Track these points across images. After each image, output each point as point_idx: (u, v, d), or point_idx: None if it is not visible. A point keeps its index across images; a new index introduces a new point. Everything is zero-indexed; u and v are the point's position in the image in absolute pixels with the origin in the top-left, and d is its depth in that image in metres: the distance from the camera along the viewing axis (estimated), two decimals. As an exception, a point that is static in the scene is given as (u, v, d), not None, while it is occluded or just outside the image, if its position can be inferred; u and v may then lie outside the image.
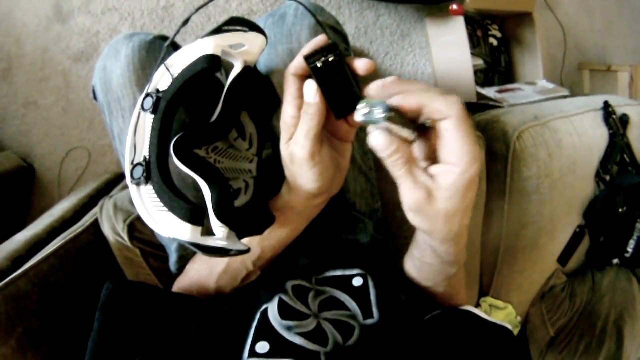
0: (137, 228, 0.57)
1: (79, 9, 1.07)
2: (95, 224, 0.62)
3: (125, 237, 0.57)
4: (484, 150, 0.72)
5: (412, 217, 0.32)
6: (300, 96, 0.34)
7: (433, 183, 0.30)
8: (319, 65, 0.32)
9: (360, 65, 0.32)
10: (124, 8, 1.08)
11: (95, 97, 0.48)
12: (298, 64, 0.33)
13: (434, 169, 0.30)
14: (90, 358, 0.36)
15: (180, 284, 0.47)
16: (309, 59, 0.32)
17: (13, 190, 1.04)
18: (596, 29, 1.57)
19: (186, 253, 0.50)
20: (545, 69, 1.19)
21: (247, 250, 0.35)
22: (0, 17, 1.06)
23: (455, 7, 0.99)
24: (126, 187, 0.83)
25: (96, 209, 0.64)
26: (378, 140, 0.29)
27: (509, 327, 0.39)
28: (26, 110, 1.10)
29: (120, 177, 0.98)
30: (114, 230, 0.58)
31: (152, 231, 0.56)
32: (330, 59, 0.32)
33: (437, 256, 0.36)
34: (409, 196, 0.30)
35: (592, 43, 1.56)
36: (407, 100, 0.29)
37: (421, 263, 0.39)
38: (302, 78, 0.34)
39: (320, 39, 0.33)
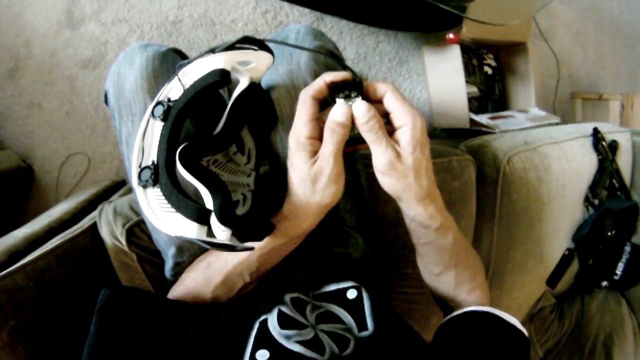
0: (135, 233, 0.58)
1: (90, 17, 1.10)
2: (93, 227, 0.63)
3: (123, 241, 0.57)
4: (474, 173, 0.75)
5: (387, 180, 0.37)
6: (316, 119, 0.37)
7: (397, 145, 0.36)
8: (341, 96, 0.36)
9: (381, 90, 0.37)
10: (134, 20, 1.11)
11: (106, 102, 0.50)
12: (319, 88, 0.36)
13: (395, 136, 0.37)
14: None
15: (175, 292, 0.48)
16: (334, 90, 0.36)
17: (10, 189, 1.04)
18: (589, 59, 1.63)
19: (182, 260, 0.50)
20: (539, 98, 1.23)
21: (252, 248, 0.37)
22: (11, 17, 1.09)
23: (451, 35, 1.03)
24: (125, 193, 0.85)
25: (95, 213, 0.65)
26: (360, 106, 0.35)
27: (524, 331, 0.42)
28: (29, 112, 1.11)
29: (119, 184, 0.99)
30: (112, 233, 0.59)
31: (149, 237, 0.57)
32: (353, 95, 0.36)
33: (425, 227, 0.40)
34: (382, 157, 0.36)
35: (585, 73, 1.62)
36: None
37: (422, 248, 0.43)
38: (318, 101, 0.37)
39: (345, 75, 0.37)
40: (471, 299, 0.44)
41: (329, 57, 0.47)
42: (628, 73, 1.72)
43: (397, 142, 0.36)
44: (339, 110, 0.35)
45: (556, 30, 1.54)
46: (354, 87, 0.36)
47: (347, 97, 0.36)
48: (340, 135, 0.36)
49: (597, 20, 1.65)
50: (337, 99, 0.36)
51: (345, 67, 0.40)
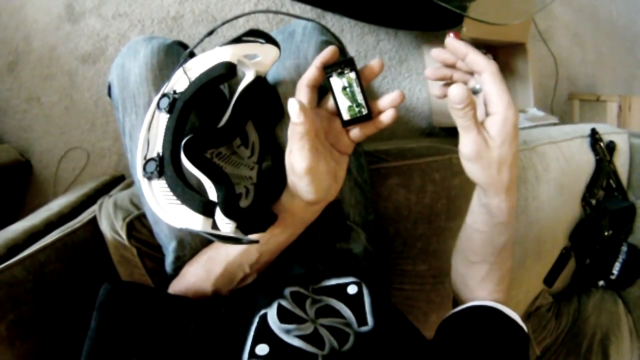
0: (135, 227, 0.58)
1: (90, 11, 1.09)
2: (93, 221, 0.63)
3: (124, 235, 0.57)
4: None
5: (471, 167, 0.37)
6: (314, 107, 0.37)
7: (487, 134, 0.35)
8: (335, 75, 0.35)
9: (375, 64, 0.37)
10: (135, 15, 1.11)
11: (109, 94, 0.50)
12: (312, 75, 0.36)
13: (485, 123, 0.36)
14: (87, 356, 0.36)
15: (176, 287, 0.48)
16: (327, 69, 0.35)
17: (8, 183, 1.04)
18: (587, 60, 1.64)
19: (183, 254, 0.50)
20: (537, 98, 1.23)
21: (257, 241, 0.37)
22: (11, 10, 1.08)
23: (452, 35, 1.03)
24: (125, 188, 0.84)
25: (95, 206, 0.65)
26: (459, 92, 0.33)
27: (524, 327, 0.42)
28: (28, 106, 1.11)
29: (118, 179, 0.98)
30: (112, 227, 0.59)
31: (150, 231, 0.57)
32: (346, 71, 0.35)
33: (490, 216, 0.39)
34: (471, 144, 0.35)
35: (583, 74, 1.63)
36: (457, 45, 0.36)
37: (473, 232, 0.43)
38: (315, 89, 0.37)
39: (332, 50, 0.36)
40: (491, 299, 0.44)
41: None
42: (625, 75, 1.74)
43: (486, 128, 0.35)
44: (290, 109, 0.34)
45: (555, 31, 1.55)
46: (346, 64, 0.35)
47: (340, 74, 0.36)
48: (297, 134, 0.35)
49: (595, 22, 1.66)
50: (330, 79, 0.36)
51: (345, 55, 0.40)
